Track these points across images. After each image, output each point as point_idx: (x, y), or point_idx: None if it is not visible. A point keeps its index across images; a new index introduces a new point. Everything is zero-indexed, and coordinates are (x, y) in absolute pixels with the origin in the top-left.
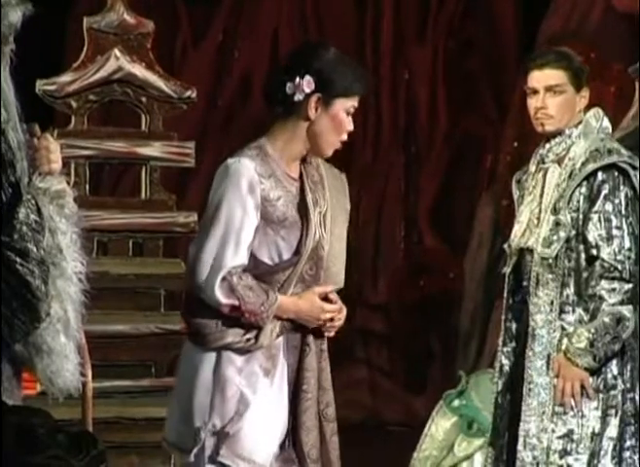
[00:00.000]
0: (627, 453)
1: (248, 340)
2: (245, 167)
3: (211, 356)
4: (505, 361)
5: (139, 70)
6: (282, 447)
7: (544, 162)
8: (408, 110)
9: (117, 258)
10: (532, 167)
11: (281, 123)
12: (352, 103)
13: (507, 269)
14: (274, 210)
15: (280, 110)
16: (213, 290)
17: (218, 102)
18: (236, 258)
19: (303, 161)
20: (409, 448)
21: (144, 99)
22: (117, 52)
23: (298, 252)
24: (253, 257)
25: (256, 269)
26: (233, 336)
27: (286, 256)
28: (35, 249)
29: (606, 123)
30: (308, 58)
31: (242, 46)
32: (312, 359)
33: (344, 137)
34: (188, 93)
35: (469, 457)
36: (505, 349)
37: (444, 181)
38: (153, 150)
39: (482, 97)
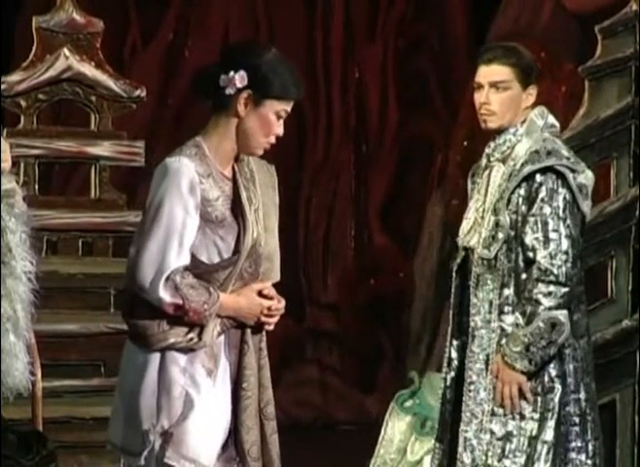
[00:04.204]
0: (573, 454)
1: (191, 339)
2: (185, 167)
3: (155, 357)
4: (454, 354)
5: (88, 69)
6: (224, 446)
7: (490, 160)
8: (359, 109)
9: (66, 257)
10: (483, 163)
11: (214, 119)
12: (284, 107)
13: (454, 264)
14: (213, 210)
15: (211, 103)
16: (158, 290)
17: (168, 101)
18: (180, 259)
19: (236, 159)
20: (360, 446)
21: (93, 98)
22: (66, 51)
23: (237, 251)
24: (192, 257)
25: (196, 268)
26: (176, 336)
27: (225, 255)
28: None
29: (551, 120)
30: (246, 54)
31: (192, 45)
32: (251, 357)
33: (272, 140)
34: (137, 92)
35: (420, 462)
36: (455, 343)
37: (395, 180)
38: (102, 149)
39: (433, 97)
